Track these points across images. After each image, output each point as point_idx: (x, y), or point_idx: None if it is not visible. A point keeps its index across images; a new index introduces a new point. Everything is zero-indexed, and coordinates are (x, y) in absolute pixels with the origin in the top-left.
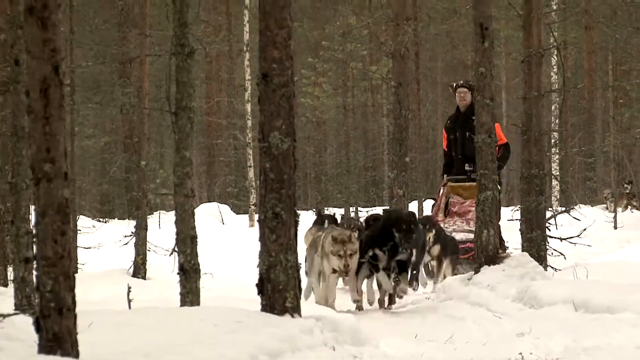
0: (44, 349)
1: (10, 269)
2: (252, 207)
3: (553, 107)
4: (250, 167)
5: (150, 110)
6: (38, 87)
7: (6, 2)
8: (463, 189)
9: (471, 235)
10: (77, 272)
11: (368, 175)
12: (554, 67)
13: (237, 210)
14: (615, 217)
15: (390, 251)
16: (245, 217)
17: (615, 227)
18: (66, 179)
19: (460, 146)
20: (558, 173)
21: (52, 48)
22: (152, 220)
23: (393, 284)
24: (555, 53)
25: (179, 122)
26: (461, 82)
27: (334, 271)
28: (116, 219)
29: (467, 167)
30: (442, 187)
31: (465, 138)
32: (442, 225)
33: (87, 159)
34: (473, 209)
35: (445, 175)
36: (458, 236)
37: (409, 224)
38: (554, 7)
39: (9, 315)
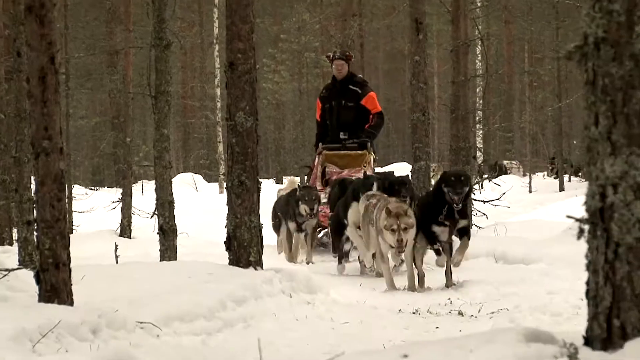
0: (43, 298)
1: (14, 231)
2: (222, 176)
3: (477, 90)
4: (219, 142)
5: (134, 95)
6: (37, 75)
7: (9, 1)
8: (338, 158)
9: None
10: (71, 233)
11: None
12: (479, 55)
13: (209, 179)
14: (530, 183)
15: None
16: (215, 185)
17: (530, 192)
18: (62, 153)
19: (336, 114)
20: (482, 146)
21: (49, 41)
22: (136, 188)
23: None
24: (480, 44)
25: (158, 104)
26: (338, 53)
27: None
28: (105, 187)
29: (342, 135)
30: (317, 156)
31: (340, 106)
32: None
33: (80, 136)
34: (353, 178)
35: (320, 144)
36: None
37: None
38: (478, 4)
39: (13, 269)
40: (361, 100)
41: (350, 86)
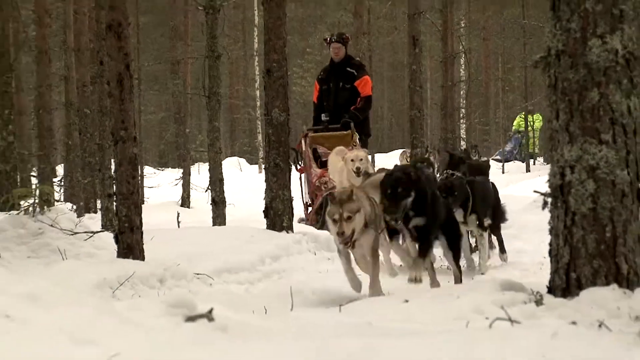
0: (120, 255)
1: (98, 202)
2: (260, 159)
3: (462, 92)
4: (259, 133)
5: (192, 95)
6: (115, 79)
7: (93, 21)
8: (324, 139)
9: None
10: (143, 203)
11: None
12: (462, 65)
13: (250, 162)
14: (503, 165)
15: None
16: (255, 167)
17: (503, 172)
18: (135, 141)
19: (333, 95)
20: (465, 136)
21: (125, 53)
22: (193, 169)
23: None
24: (463, 56)
25: (211, 103)
26: (335, 37)
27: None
28: (169, 168)
29: (323, 117)
30: (302, 138)
31: (338, 88)
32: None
33: (149, 128)
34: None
35: (304, 127)
36: None
37: None
38: (462, 25)
39: (97, 232)
40: (355, 82)
41: (348, 68)
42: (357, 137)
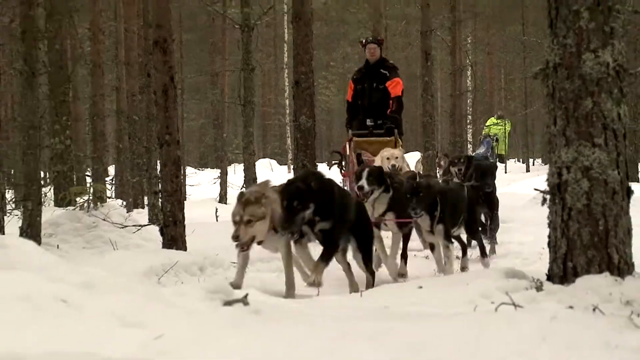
0: (165, 246)
1: (145, 198)
2: (290, 161)
3: (468, 101)
4: (288, 137)
5: (229, 104)
6: (161, 89)
7: (142, 38)
8: (368, 144)
9: None
10: (185, 200)
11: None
12: (469, 77)
13: (280, 163)
14: (505, 166)
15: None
16: (285, 167)
17: (506, 172)
18: (178, 144)
19: (368, 95)
20: (471, 140)
21: (170, 66)
22: (230, 169)
23: None
24: (470, 68)
25: (246, 110)
26: (370, 38)
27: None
28: (209, 168)
29: (368, 122)
30: (347, 143)
31: (372, 88)
32: None
33: (191, 132)
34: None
35: (349, 131)
36: None
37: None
38: (469, 41)
39: (145, 225)
40: (387, 82)
41: (381, 70)
42: (400, 143)
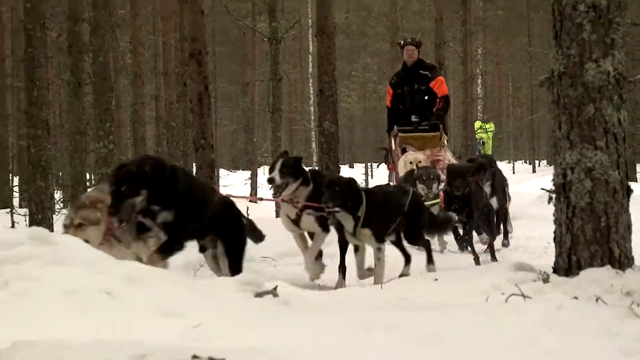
0: None
1: None
2: (315, 163)
3: (479, 107)
4: (313, 141)
5: (258, 110)
6: (196, 98)
7: (178, 51)
8: (413, 139)
9: None
10: None
11: (380, 145)
12: (480, 85)
13: (306, 165)
14: (513, 167)
15: None
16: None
17: (514, 173)
18: (212, 148)
19: (409, 98)
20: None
21: (204, 76)
22: (260, 170)
23: None
24: (480, 77)
25: (274, 117)
26: (409, 40)
27: None
28: (240, 170)
29: (413, 118)
30: (393, 138)
31: (413, 90)
32: None
33: (224, 137)
34: (440, 157)
35: (394, 127)
36: None
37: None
38: (479, 52)
39: None
40: (430, 83)
41: (421, 71)
42: (445, 138)
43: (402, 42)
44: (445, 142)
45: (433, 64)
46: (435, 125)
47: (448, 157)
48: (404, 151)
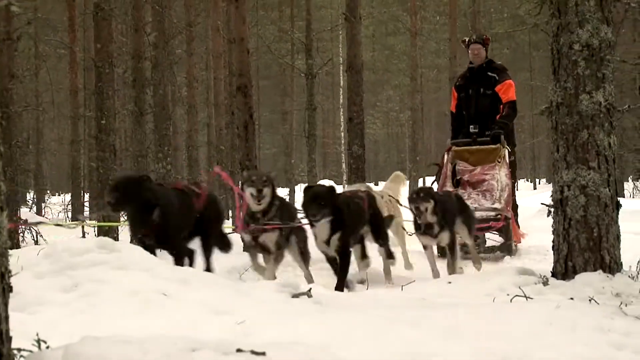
0: (245, 249)
1: (230, 212)
2: (344, 181)
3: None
4: (343, 162)
5: (296, 135)
6: (242, 125)
7: (227, 85)
8: (469, 153)
9: (492, 212)
10: None
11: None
12: None
13: (337, 183)
14: (517, 185)
15: None
16: (340, 187)
17: (517, 190)
18: (256, 168)
19: (474, 103)
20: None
21: (249, 106)
22: (297, 188)
23: None
24: None
25: (309, 141)
26: (474, 37)
27: None
28: (280, 187)
29: (471, 129)
30: (445, 153)
31: (479, 94)
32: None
33: (266, 159)
34: (487, 176)
35: (448, 140)
36: (478, 214)
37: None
38: None
39: (230, 233)
40: (497, 86)
41: (488, 72)
42: (506, 151)
43: (466, 40)
44: (506, 156)
45: (503, 65)
46: (497, 136)
47: (499, 176)
48: (454, 168)
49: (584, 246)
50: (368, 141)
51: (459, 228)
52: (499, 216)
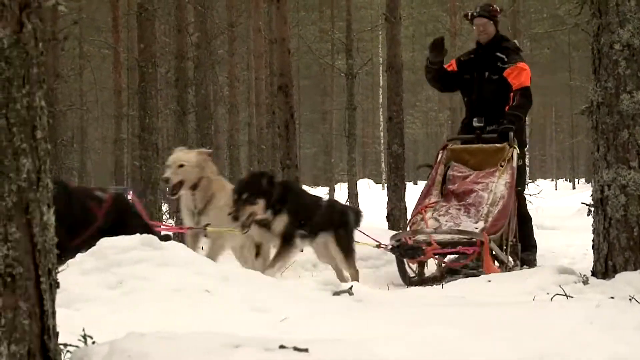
0: None
1: None
2: (384, 180)
3: (526, 133)
4: (382, 161)
5: (336, 135)
6: (283, 124)
7: (268, 84)
8: (469, 154)
9: (464, 236)
10: None
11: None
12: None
13: (376, 182)
14: (555, 184)
15: None
16: (379, 186)
17: (556, 189)
18: (297, 167)
19: (477, 90)
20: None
21: (290, 106)
22: (337, 187)
23: None
24: None
25: (349, 140)
26: (478, 9)
27: None
28: (320, 186)
29: (475, 123)
30: (440, 152)
31: (483, 80)
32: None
33: (306, 158)
34: (477, 186)
35: (445, 136)
36: (439, 236)
37: None
38: None
39: None
40: (505, 71)
41: (498, 53)
42: (515, 151)
43: (469, 14)
44: (514, 158)
45: (517, 44)
46: (506, 132)
47: (495, 186)
48: (446, 173)
49: (625, 245)
50: (407, 140)
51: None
52: (474, 240)
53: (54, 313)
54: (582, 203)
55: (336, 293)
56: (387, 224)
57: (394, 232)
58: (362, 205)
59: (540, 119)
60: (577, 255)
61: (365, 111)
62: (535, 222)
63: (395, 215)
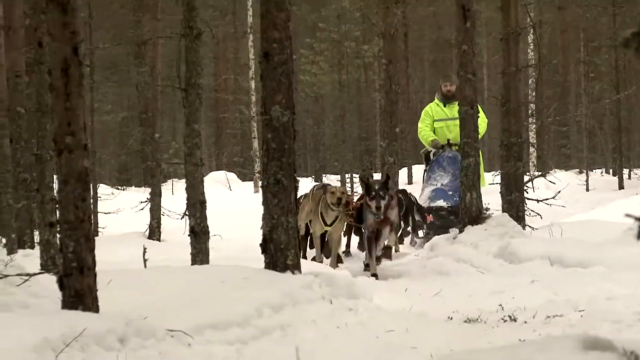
0: (67, 304)
1: (36, 233)
2: (257, 174)
3: (530, 81)
4: (254, 138)
5: (163, 88)
6: (59, 66)
7: None
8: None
9: None
10: (97, 235)
11: (362, 144)
12: (531, 44)
13: (243, 177)
14: (587, 181)
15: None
16: (250, 184)
17: (587, 190)
18: (86, 150)
19: None
20: (535, 141)
21: (72, 31)
22: (165, 187)
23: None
24: (532, 32)
25: (189, 97)
26: None
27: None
28: (133, 186)
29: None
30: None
31: None
32: None
33: (107, 132)
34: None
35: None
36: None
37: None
38: None
39: (35, 274)
40: None
41: None
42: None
43: None
44: None
45: None
46: None
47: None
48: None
49: None
50: (302, 98)
51: None
52: None
53: None
54: (628, 216)
55: None
56: (262, 256)
57: (271, 272)
58: (217, 222)
59: (555, 54)
60: (624, 314)
61: (219, 41)
62: (548, 255)
63: (277, 241)
